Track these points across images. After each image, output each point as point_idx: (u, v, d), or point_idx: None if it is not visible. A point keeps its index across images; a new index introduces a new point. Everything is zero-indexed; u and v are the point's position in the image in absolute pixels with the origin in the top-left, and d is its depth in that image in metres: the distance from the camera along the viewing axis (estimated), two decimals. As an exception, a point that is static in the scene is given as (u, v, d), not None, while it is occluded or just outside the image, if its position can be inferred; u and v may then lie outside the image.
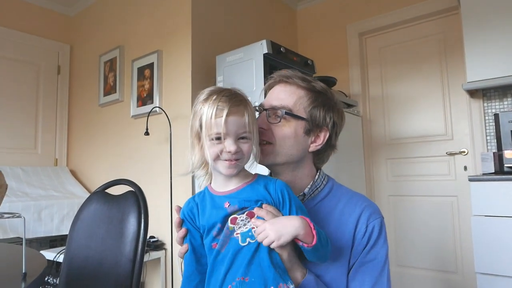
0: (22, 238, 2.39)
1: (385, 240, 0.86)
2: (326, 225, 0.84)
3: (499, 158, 2.18)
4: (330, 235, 0.81)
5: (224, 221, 0.75)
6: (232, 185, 0.79)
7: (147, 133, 2.38)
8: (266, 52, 2.08)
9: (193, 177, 2.34)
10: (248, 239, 0.73)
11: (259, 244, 0.73)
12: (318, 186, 0.91)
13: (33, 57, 3.30)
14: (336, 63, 3.19)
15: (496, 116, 2.28)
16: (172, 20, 2.59)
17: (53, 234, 2.62)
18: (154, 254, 2.37)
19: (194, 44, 2.46)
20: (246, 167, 0.82)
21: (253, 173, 0.83)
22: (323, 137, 0.92)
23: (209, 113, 0.73)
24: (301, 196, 0.90)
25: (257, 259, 0.72)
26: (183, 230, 0.81)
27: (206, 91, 0.79)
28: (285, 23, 3.39)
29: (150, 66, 2.67)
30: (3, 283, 0.74)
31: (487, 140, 2.47)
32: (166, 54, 2.61)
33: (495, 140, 2.34)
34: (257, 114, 0.96)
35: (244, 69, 2.17)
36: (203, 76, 2.49)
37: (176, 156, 2.42)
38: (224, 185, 0.79)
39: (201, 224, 0.79)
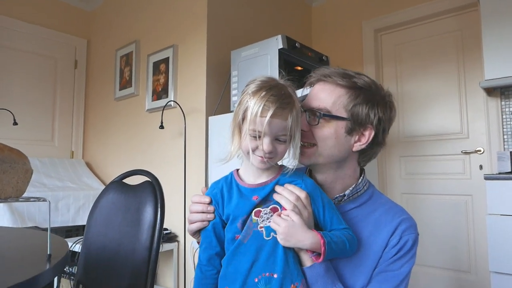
0: (39, 227, 2.45)
1: (413, 256, 0.85)
2: (359, 230, 0.85)
3: (516, 157, 2.15)
4: (362, 240, 0.83)
5: (250, 213, 0.77)
6: (263, 178, 0.80)
7: (161, 127, 2.41)
8: (281, 47, 2.08)
9: (206, 171, 2.37)
10: (272, 234, 0.75)
11: None
12: (359, 190, 0.91)
13: (50, 51, 3.36)
14: (350, 60, 3.17)
15: (514, 114, 2.25)
16: (188, 15, 2.61)
17: (69, 224, 2.67)
18: (166, 246, 2.41)
19: (210, 39, 2.48)
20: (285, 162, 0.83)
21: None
22: (368, 135, 0.88)
23: (255, 109, 0.73)
24: (341, 196, 0.89)
25: (285, 256, 0.74)
26: (211, 208, 0.81)
27: (258, 81, 0.78)
28: (300, 19, 3.38)
29: (166, 60, 2.70)
30: (30, 264, 0.77)
31: (504, 139, 2.43)
32: (182, 49, 2.64)
33: (512, 139, 2.31)
34: None
35: (259, 64, 2.18)
36: (218, 71, 2.51)
37: (190, 150, 2.45)
38: (254, 177, 0.81)
39: (225, 212, 0.79)
